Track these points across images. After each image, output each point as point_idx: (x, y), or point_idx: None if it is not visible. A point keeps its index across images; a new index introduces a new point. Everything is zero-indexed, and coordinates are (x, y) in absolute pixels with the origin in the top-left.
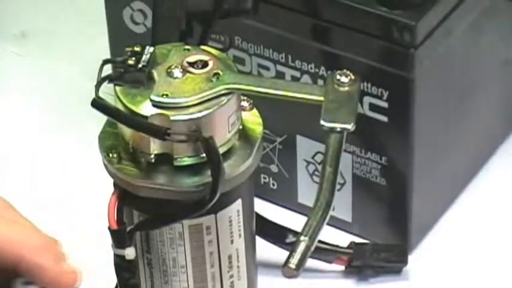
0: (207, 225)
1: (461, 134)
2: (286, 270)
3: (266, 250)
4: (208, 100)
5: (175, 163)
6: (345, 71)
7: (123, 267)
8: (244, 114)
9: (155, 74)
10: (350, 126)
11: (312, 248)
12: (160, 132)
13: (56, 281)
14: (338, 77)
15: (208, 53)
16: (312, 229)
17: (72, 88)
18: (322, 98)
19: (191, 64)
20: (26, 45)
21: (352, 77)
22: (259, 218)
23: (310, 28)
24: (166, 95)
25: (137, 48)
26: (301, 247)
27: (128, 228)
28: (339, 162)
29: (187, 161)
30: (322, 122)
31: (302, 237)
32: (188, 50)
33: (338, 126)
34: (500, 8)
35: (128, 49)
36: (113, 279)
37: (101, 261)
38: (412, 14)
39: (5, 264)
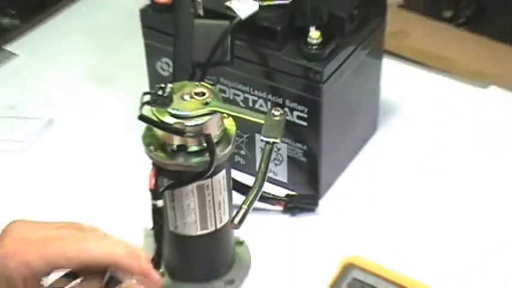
0: (207, 184)
1: (349, 132)
2: (232, 225)
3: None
4: (202, 115)
5: (188, 150)
6: (277, 108)
7: (156, 212)
8: (225, 121)
9: (174, 97)
10: (278, 140)
11: (249, 211)
12: (180, 132)
13: (143, 273)
14: (273, 111)
15: (207, 87)
16: (249, 201)
17: (129, 111)
18: (263, 122)
19: (196, 93)
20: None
21: (282, 112)
22: (234, 180)
23: (263, 73)
24: (177, 109)
25: (163, 85)
26: (241, 211)
27: (161, 189)
28: (269, 162)
29: (195, 148)
30: (261, 138)
31: (243, 205)
32: (197, 85)
33: (270, 140)
34: (370, 62)
35: (157, 85)
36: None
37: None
38: (321, 64)
39: (101, 268)
